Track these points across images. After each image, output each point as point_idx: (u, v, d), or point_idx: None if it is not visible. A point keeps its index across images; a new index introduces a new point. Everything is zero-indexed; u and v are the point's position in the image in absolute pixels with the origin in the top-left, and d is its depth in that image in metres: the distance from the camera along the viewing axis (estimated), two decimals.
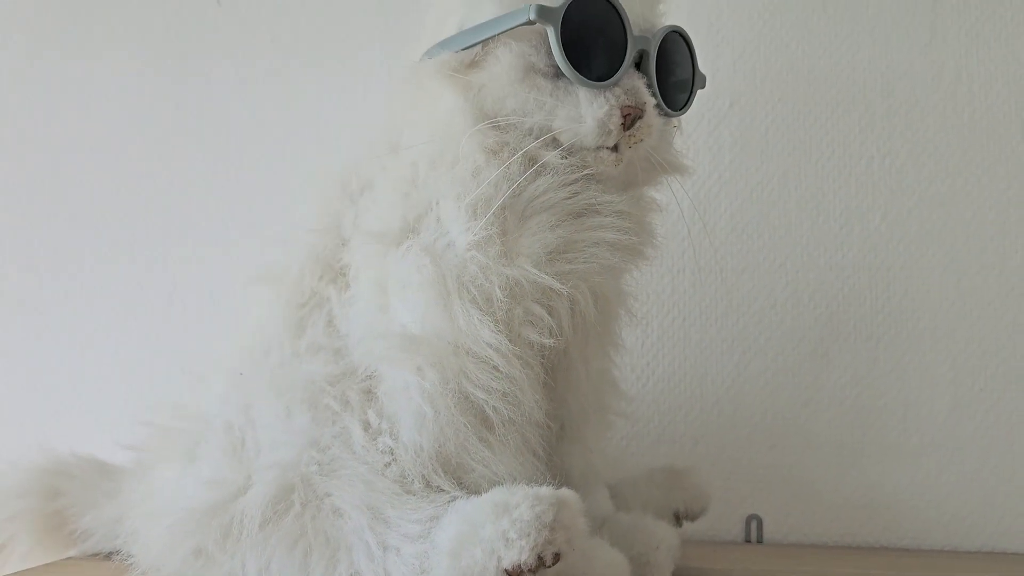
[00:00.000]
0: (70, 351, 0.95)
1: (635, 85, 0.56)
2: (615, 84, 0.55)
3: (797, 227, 0.84)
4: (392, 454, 0.53)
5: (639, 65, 0.57)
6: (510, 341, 0.53)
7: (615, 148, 0.56)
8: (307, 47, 0.95)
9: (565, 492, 0.49)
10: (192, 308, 0.92)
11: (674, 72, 0.61)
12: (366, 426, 0.54)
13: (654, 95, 0.57)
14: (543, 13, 0.52)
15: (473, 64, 0.56)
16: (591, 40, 0.55)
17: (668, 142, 0.63)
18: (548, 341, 0.55)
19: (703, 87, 0.63)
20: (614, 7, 0.55)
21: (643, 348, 0.85)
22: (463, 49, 0.56)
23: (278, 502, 0.52)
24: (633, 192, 0.62)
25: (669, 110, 0.59)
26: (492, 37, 0.55)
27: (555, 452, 0.63)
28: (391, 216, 0.57)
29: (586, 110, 0.54)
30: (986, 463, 0.79)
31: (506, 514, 0.47)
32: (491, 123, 0.55)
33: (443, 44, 0.58)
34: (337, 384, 0.56)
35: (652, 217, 0.65)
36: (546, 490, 0.48)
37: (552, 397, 0.61)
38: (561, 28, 0.53)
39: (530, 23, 0.53)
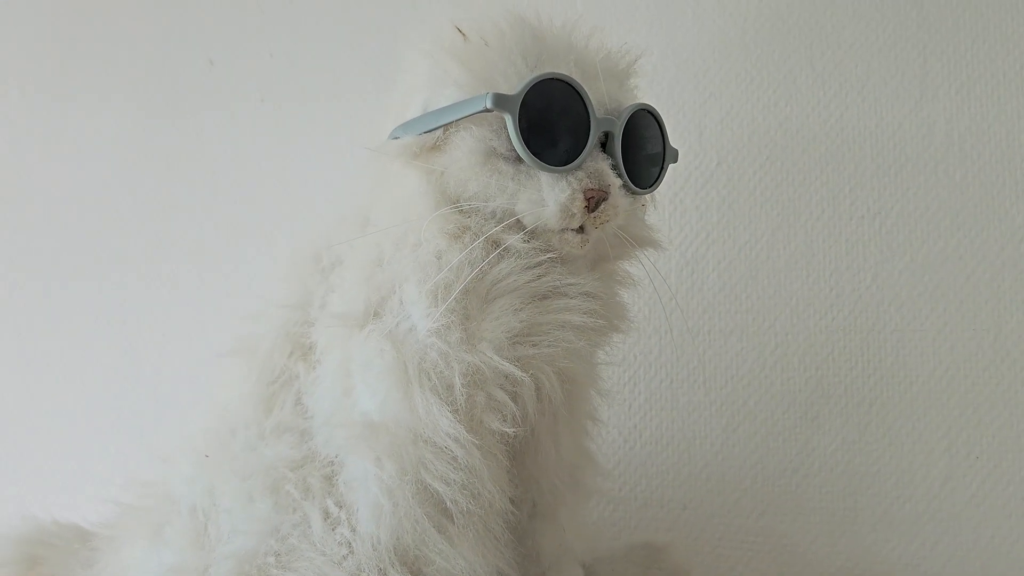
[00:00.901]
0: (56, 414, 0.96)
1: (599, 167, 0.55)
2: (578, 167, 0.54)
3: (786, 288, 0.83)
4: (349, 546, 0.53)
5: (605, 145, 0.57)
6: (470, 430, 0.53)
7: (580, 229, 0.56)
8: (296, 107, 0.95)
9: None
10: (181, 374, 0.93)
11: (643, 149, 0.60)
12: (326, 515, 0.54)
13: (620, 175, 0.57)
14: (500, 101, 0.52)
15: (435, 148, 0.56)
16: (552, 124, 0.54)
17: (639, 218, 0.62)
18: (510, 430, 0.54)
19: (675, 161, 0.62)
20: (576, 91, 0.54)
21: (630, 411, 0.84)
22: (425, 132, 0.56)
23: None
24: (603, 269, 0.61)
25: (637, 188, 0.58)
26: (453, 122, 0.55)
27: (527, 532, 0.63)
28: (355, 297, 0.57)
29: (548, 194, 0.54)
30: (982, 534, 0.77)
31: None
32: (453, 207, 0.55)
33: (407, 126, 0.57)
34: (300, 469, 0.56)
35: (622, 292, 0.64)
36: None
37: (519, 481, 0.60)
38: (519, 114, 0.52)
39: (488, 111, 0.52)
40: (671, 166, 0.62)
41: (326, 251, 0.62)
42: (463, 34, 0.57)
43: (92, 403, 0.95)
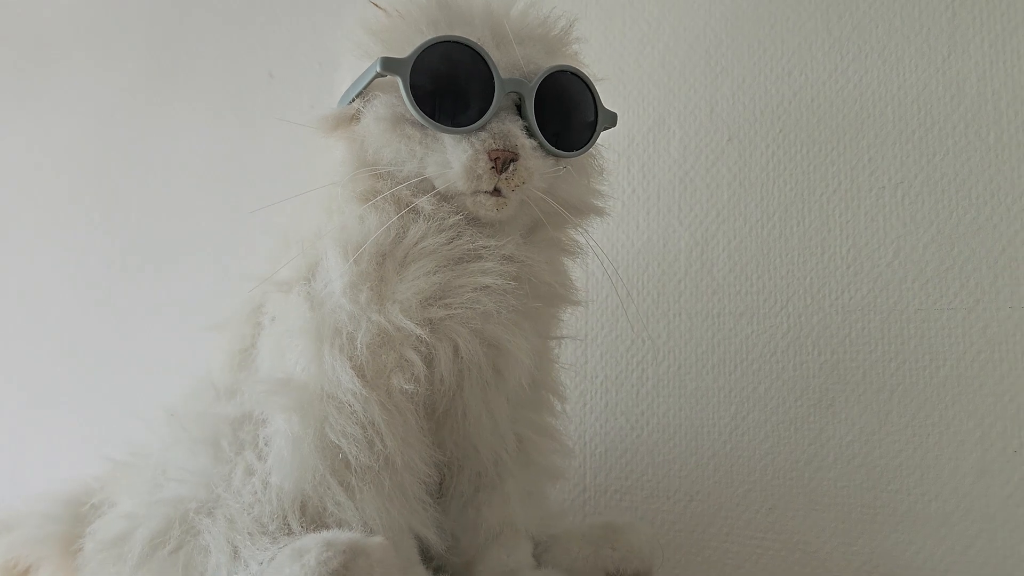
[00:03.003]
0: (110, 389, 1.06)
1: (505, 128, 0.55)
2: (480, 128, 0.55)
3: (800, 267, 0.77)
4: (258, 495, 0.55)
5: (520, 109, 0.57)
6: (372, 388, 0.54)
7: (497, 192, 0.56)
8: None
9: (370, 541, 0.48)
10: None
11: (572, 112, 0.59)
12: (247, 467, 0.57)
13: (533, 136, 0.56)
14: (389, 65, 0.54)
15: (355, 117, 0.58)
16: (454, 87, 0.55)
17: (575, 183, 0.61)
18: (409, 387, 0.55)
19: (612, 125, 0.61)
20: (478, 53, 0.55)
21: (637, 397, 0.81)
22: (348, 103, 0.59)
23: (156, 538, 0.56)
24: (541, 236, 0.61)
25: (558, 151, 0.58)
26: (364, 90, 0.57)
27: (469, 501, 0.63)
28: (295, 263, 0.60)
29: (451, 155, 0.55)
30: (1020, 536, 0.67)
31: (298, 559, 0.47)
32: (368, 170, 0.57)
33: (339, 102, 0.60)
34: (238, 427, 0.59)
35: (567, 262, 0.63)
36: (344, 537, 0.48)
37: (452, 447, 0.60)
38: (412, 77, 0.54)
39: (380, 75, 0.54)
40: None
41: (290, 226, 0.66)
42: (382, 9, 0.59)
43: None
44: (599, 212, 0.63)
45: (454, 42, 0.54)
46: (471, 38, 0.55)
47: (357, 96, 0.58)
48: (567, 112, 0.59)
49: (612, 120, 0.61)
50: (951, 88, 0.74)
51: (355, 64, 0.59)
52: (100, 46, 1.20)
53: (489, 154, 0.54)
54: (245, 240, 1.02)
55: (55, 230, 1.19)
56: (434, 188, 0.56)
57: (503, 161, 0.54)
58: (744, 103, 0.81)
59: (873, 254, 0.75)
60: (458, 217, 0.56)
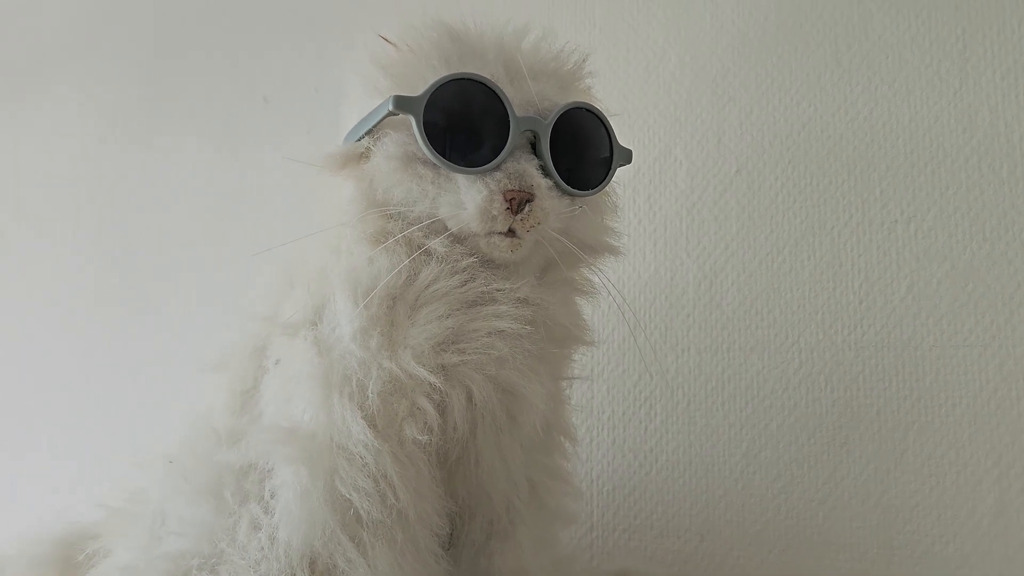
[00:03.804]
0: (97, 425, 1.03)
1: (520, 168, 0.53)
2: (495, 168, 0.53)
3: (812, 301, 0.76)
4: (265, 551, 0.53)
5: (535, 148, 0.55)
6: (384, 439, 0.52)
7: (511, 233, 0.54)
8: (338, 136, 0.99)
9: None
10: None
11: (586, 150, 0.58)
12: (252, 521, 0.54)
13: (549, 175, 0.55)
14: (402, 103, 0.52)
15: (364, 156, 0.56)
16: (468, 125, 0.53)
17: (590, 222, 0.59)
18: (424, 438, 0.52)
19: (627, 162, 0.59)
20: (492, 90, 0.53)
21: (646, 433, 0.80)
22: (357, 140, 0.57)
23: None
24: (554, 276, 0.59)
25: (573, 189, 0.56)
26: (375, 128, 0.55)
27: (482, 550, 0.61)
28: (300, 306, 0.58)
29: (465, 196, 0.53)
30: None
31: None
32: (378, 211, 0.55)
33: (346, 138, 0.59)
34: (242, 475, 0.57)
35: (580, 301, 0.61)
36: None
37: (464, 496, 0.58)
38: (425, 116, 0.52)
39: (392, 114, 0.52)
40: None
41: (296, 262, 0.64)
42: (392, 43, 0.57)
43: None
44: (613, 251, 0.61)
45: (468, 79, 0.53)
46: (484, 74, 0.53)
47: (366, 133, 0.56)
48: (582, 149, 0.58)
49: (627, 157, 0.60)
50: (963, 120, 0.73)
51: (363, 99, 0.57)
52: (90, 68, 1.17)
53: (504, 195, 0.53)
54: (240, 271, 1.00)
55: (41, 258, 1.16)
56: (446, 229, 0.54)
57: (519, 202, 0.53)
58: (752, 134, 0.80)
59: (886, 289, 0.73)
60: (472, 259, 0.54)
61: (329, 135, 1.00)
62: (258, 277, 0.68)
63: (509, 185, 0.53)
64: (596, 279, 0.62)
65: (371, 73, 0.56)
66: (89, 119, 1.15)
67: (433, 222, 0.54)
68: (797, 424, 0.75)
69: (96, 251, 1.11)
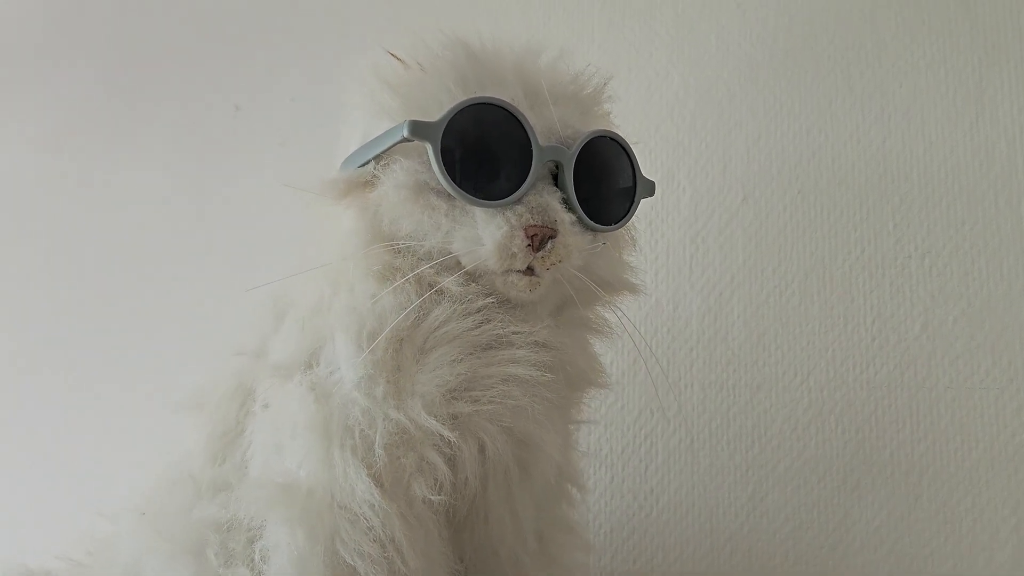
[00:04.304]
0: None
1: (543, 201, 0.49)
2: (516, 202, 0.48)
3: (822, 338, 0.73)
4: None
5: (557, 178, 0.51)
6: (390, 497, 0.47)
7: (529, 271, 0.50)
8: (315, 150, 0.94)
9: None
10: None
11: (609, 181, 0.54)
12: None
13: (572, 210, 0.50)
14: (418, 129, 0.47)
15: (369, 183, 0.51)
16: (488, 154, 0.49)
17: (610, 258, 0.55)
18: (437, 498, 0.48)
19: (650, 195, 0.56)
20: (514, 117, 0.49)
21: (646, 473, 0.76)
22: (360, 166, 0.52)
23: None
24: (570, 316, 0.55)
25: (596, 224, 0.52)
26: (383, 153, 0.50)
27: None
28: (292, 345, 0.53)
29: (484, 231, 0.48)
30: None
31: None
32: (385, 246, 0.50)
33: (346, 162, 0.54)
34: (225, 533, 0.51)
35: (596, 342, 0.57)
36: None
37: (470, 551, 0.54)
38: (443, 143, 0.47)
39: (408, 140, 0.48)
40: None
41: (285, 293, 0.59)
42: (400, 60, 0.52)
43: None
44: (633, 289, 0.57)
45: (490, 104, 0.48)
46: (504, 98, 0.49)
47: (372, 159, 0.51)
48: (605, 181, 0.53)
49: (650, 189, 0.56)
50: (980, 153, 0.71)
51: (368, 120, 0.52)
52: (48, 68, 1.09)
53: (526, 230, 0.48)
54: (207, 290, 0.94)
55: None
56: (459, 265, 0.50)
57: (541, 238, 0.49)
58: (760, 161, 0.77)
59: (899, 327, 0.71)
60: (489, 300, 0.50)
61: (304, 149, 0.95)
62: (238, 305, 0.63)
63: (531, 220, 0.48)
64: (612, 317, 0.58)
65: (377, 92, 0.52)
66: (46, 123, 1.07)
67: (445, 258, 0.50)
68: (806, 466, 0.72)
69: (48, 265, 1.04)
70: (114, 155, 1.03)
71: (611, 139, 0.53)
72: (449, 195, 0.49)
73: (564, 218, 0.49)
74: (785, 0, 0.78)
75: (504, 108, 0.48)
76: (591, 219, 0.52)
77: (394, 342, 0.49)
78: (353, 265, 0.50)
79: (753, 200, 0.76)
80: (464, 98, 0.49)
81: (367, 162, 0.51)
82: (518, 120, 0.49)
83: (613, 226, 0.54)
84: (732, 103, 0.78)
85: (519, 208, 0.48)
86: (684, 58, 0.80)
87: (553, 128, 0.51)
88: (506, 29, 0.54)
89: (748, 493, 0.73)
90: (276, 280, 0.53)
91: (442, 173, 0.47)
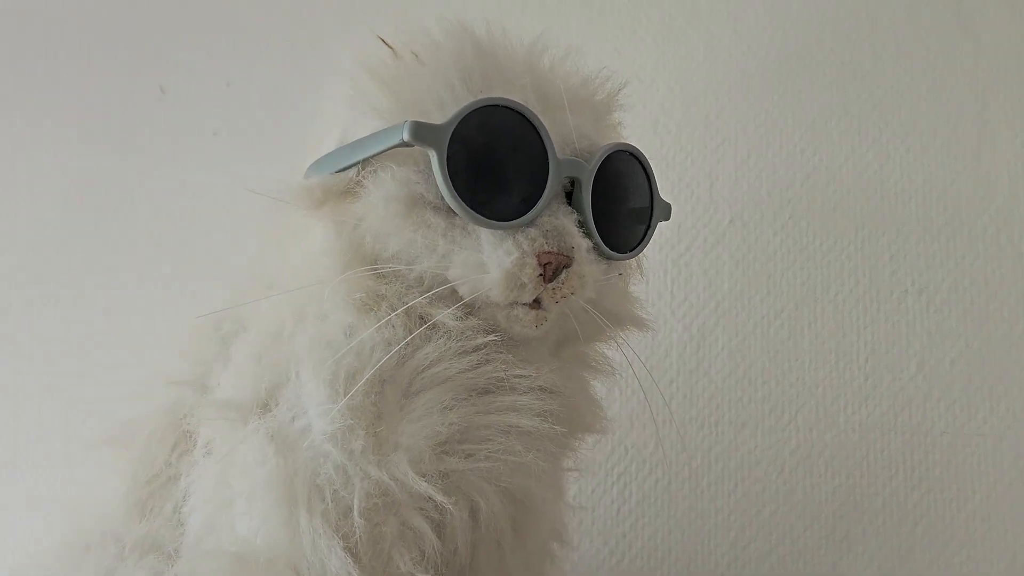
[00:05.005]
0: None
1: (559, 224, 0.42)
2: (530, 223, 0.41)
3: (812, 375, 0.68)
4: None
5: (571, 196, 0.44)
6: (369, 573, 0.39)
7: (536, 303, 0.42)
8: (252, 140, 0.84)
9: None
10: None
11: (624, 201, 0.47)
12: None
13: (589, 235, 0.43)
14: (420, 132, 0.39)
15: (349, 192, 0.43)
16: (499, 166, 0.42)
17: (617, 289, 0.49)
18: (421, 574, 0.40)
19: (666, 218, 0.49)
20: (529, 122, 0.41)
21: (618, 516, 0.69)
22: (337, 172, 0.43)
23: None
24: (570, 352, 0.48)
25: (612, 252, 0.45)
26: (369, 158, 0.42)
27: None
28: (245, 380, 0.44)
29: (489, 257, 0.41)
30: None
31: None
32: (368, 269, 0.42)
33: (319, 164, 0.45)
34: None
35: (596, 383, 0.50)
36: None
37: None
38: (448, 151, 0.40)
39: (407, 144, 0.40)
40: (660, 224, 0.49)
41: (227, 313, 0.50)
42: (391, 48, 0.44)
43: None
44: (640, 324, 0.51)
45: (506, 108, 0.41)
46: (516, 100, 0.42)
47: (356, 164, 0.42)
48: (621, 202, 0.47)
49: (667, 212, 0.50)
50: (981, 186, 0.67)
51: (349, 118, 0.44)
52: None
53: (539, 257, 0.41)
54: (129, 292, 0.83)
55: None
56: (453, 294, 0.42)
57: (555, 267, 0.41)
58: (749, 181, 0.72)
59: (894, 366, 0.67)
60: (491, 337, 0.42)
61: (242, 140, 0.85)
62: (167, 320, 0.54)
63: (545, 246, 0.41)
64: (613, 354, 0.51)
65: (363, 85, 0.43)
66: None
67: (441, 288, 0.42)
68: (792, 512, 0.67)
69: None
70: (17, 139, 0.90)
71: (630, 154, 0.47)
72: (448, 211, 0.41)
73: (581, 244, 0.42)
74: (780, 10, 0.73)
75: (520, 113, 0.41)
76: (606, 245, 0.45)
77: (375, 384, 0.41)
78: (330, 291, 0.42)
79: (741, 223, 0.71)
80: (469, 97, 0.41)
81: (349, 167, 0.43)
82: (534, 128, 0.41)
83: (628, 254, 0.47)
84: (721, 116, 0.73)
85: (532, 231, 0.41)
86: (670, 65, 0.74)
87: (568, 138, 0.44)
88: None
89: (729, 540, 0.67)
90: (237, 305, 0.44)
91: (448, 187, 0.39)
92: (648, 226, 0.48)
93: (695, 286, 0.71)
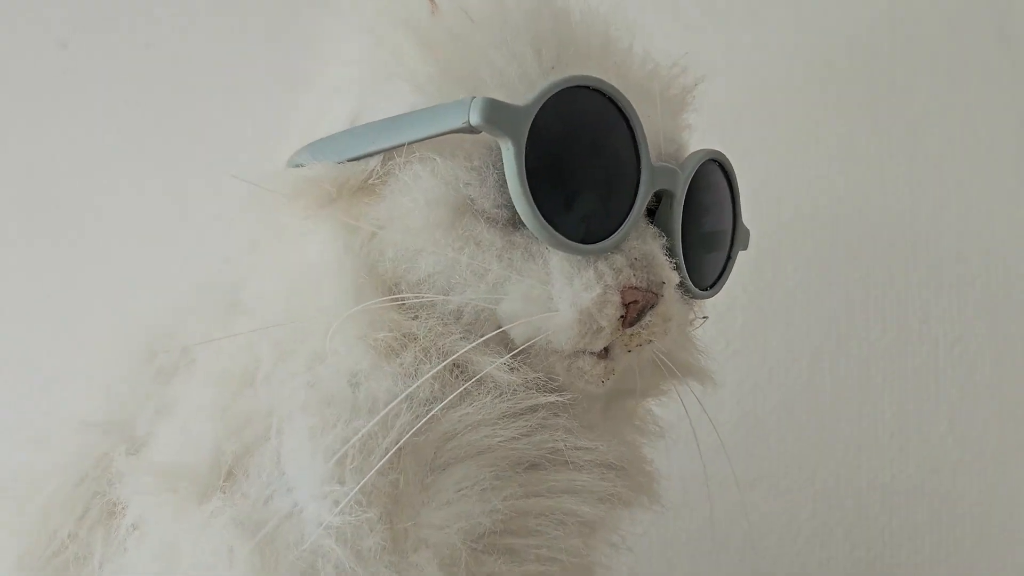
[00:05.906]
0: None
1: (648, 252, 0.32)
2: (615, 247, 0.31)
3: (831, 431, 0.61)
4: None
5: (653, 213, 0.34)
6: None
7: (604, 352, 0.32)
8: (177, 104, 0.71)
9: None
10: None
11: (702, 225, 0.37)
12: None
13: (677, 266, 0.33)
14: (495, 115, 0.28)
15: (365, 188, 0.32)
16: (579, 168, 0.31)
17: (686, 337, 0.39)
18: None
19: (744, 247, 0.40)
20: (623, 115, 0.31)
21: None
22: (351, 160, 0.32)
23: None
24: (621, 410, 0.38)
25: (698, 290, 0.36)
26: (403, 145, 0.31)
27: None
28: (200, 439, 0.32)
29: (561, 291, 0.30)
30: None
31: None
32: (392, 299, 0.31)
33: (320, 146, 0.33)
34: None
35: (646, 446, 0.41)
36: None
37: None
38: (528, 144, 0.29)
39: (470, 130, 0.28)
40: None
41: (169, 341, 0.37)
42: (433, 2, 0.33)
43: None
44: (705, 378, 0.41)
45: (597, 91, 0.30)
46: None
47: (383, 151, 0.31)
48: (699, 225, 0.37)
49: (746, 240, 0.40)
50: (1020, 229, 0.61)
51: (372, 86, 0.33)
52: None
53: (623, 294, 0.31)
54: (28, 287, 0.67)
55: None
56: (503, 338, 0.31)
57: (641, 306, 0.31)
58: (767, 202, 0.64)
59: (923, 424, 0.61)
60: (553, 397, 0.32)
61: (164, 108, 0.72)
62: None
63: (633, 279, 0.31)
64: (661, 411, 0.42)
65: (398, 44, 0.32)
66: None
67: (495, 332, 0.31)
68: None
69: None
70: None
71: (719, 165, 0.37)
72: (506, 226, 0.31)
73: (672, 278, 0.32)
74: (804, 17, 0.66)
75: (614, 101, 0.31)
76: (691, 278, 0.35)
77: (393, 456, 0.30)
78: (339, 325, 0.30)
79: (757, 253, 0.62)
80: (544, 76, 0.31)
81: (371, 154, 0.31)
82: (627, 122, 0.31)
83: (708, 291, 0.38)
84: (739, 133, 0.65)
85: (617, 259, 0.31)
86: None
87: (655, 140, 0.34)
88: None
89: None
90: (203, 342, 0.32)
91: (525, 193, 0.28)
92: (728, 256, 0.39)
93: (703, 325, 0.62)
